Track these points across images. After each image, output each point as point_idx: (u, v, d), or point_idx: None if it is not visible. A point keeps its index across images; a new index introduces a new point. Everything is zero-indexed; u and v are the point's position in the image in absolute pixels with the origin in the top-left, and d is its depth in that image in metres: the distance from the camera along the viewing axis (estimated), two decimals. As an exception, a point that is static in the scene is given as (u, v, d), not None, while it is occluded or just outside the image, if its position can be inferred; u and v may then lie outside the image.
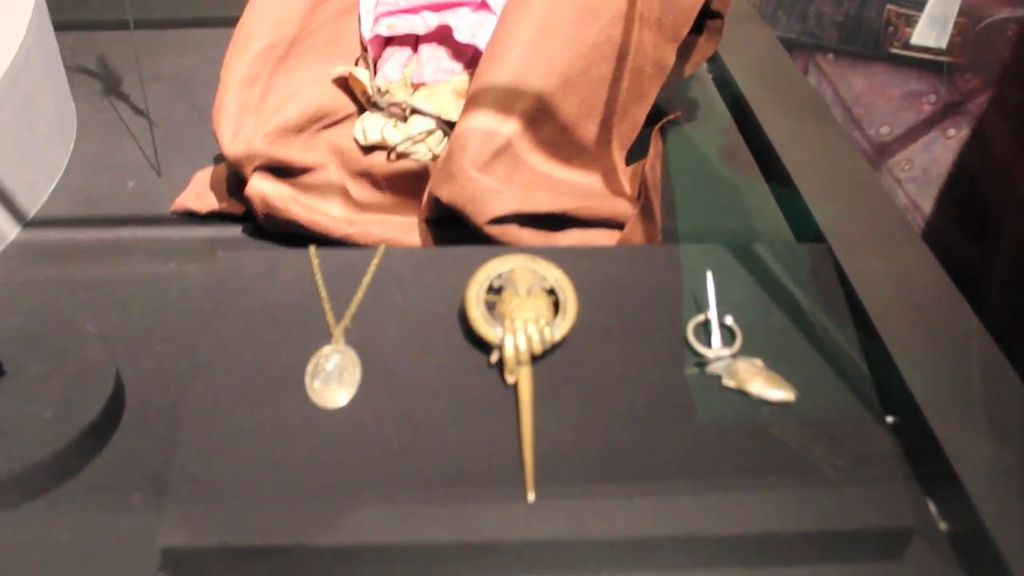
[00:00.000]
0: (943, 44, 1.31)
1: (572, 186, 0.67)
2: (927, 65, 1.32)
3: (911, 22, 1.30)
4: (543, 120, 0.65)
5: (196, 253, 0.72)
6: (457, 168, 0.62)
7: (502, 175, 0.63)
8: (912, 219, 1.43)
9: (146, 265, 0.71)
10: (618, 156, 0.70)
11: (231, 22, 1.03)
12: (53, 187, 0.79)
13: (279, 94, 0.71)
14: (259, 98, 0.70)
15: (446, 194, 0.62)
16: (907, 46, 1.32)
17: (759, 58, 1.00)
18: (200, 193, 0.75)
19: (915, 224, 1.43)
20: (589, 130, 0.68)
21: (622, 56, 0.68)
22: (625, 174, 0.70)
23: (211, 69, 0.96)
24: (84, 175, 0.81)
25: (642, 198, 0.66)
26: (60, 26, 0.88)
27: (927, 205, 1.41)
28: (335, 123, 0.73)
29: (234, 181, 0.74)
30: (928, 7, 1.28)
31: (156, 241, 0.74)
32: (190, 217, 0.75)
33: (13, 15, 0.78)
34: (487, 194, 0.62)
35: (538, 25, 0.65)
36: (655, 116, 0.73)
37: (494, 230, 0.62)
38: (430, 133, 0.69)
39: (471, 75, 0.71)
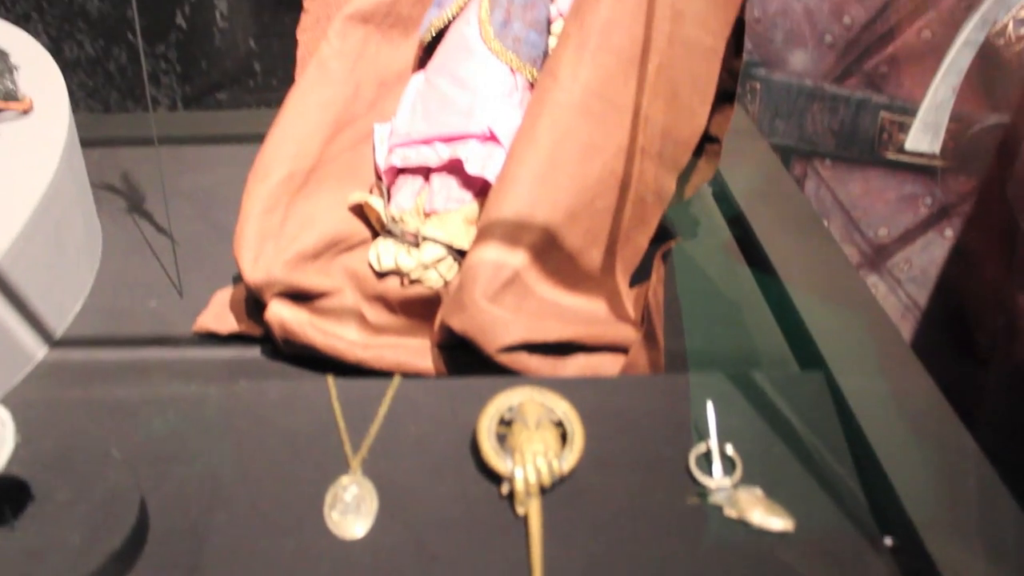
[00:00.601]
0: (936, 149, 1.35)
1: (578, 313, 0.70)
2: (922, 169, 1.37)
3: (904, 128, 1.35)
4: (550, 251, 0.69)
5: (217, 374, 0.75)
6: (468, 299, 0.66)
7: (511, 305, 0.67)
8: (913, 318, 1.46)
9: (168, 386, 0.74)
10: (622, 280, 0.73)
11: (250, 139, 1.08)
12: (79, 307, 0.83)
13: (297, 221, 0.75)
14: (278, 225, 0.74)
15: (458, 324, 0.66)
16: (902, 151, 1.36)
17: (756, 173, 1.05)
18: (220, 314, 0.79)
19: (915, 321, 1.46)
20: (594, 257, 0.72)
21: (624, 187, 0.72)
22: (628, 297, 0.73)
23: (231, 187, 1.01)
24: (108, 294, 0.85)
25: (645, 323, 0.70)
26: (84, 143, 0.93)
27: (927, 306, 1.44)
28: (350, 248, 0.77)
29: (252, 303, 0.77)
30: (920, 114, 1.33)
31: (178, 362, 0.77)
32: (210, 338, 0.78)
33: (47, 142, 0.83)
34: (497, 324, 0.65)
35: (544, 160, 0.69)
36: (657, 236, 0.77)
37: (504, 358, 0.65)
38: (441, 260, 0.73)
39: (481, 204, 0.75)
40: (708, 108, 0.74)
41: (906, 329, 1.45)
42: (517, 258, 0.67)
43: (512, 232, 0.68)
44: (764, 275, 0.86)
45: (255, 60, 1.30)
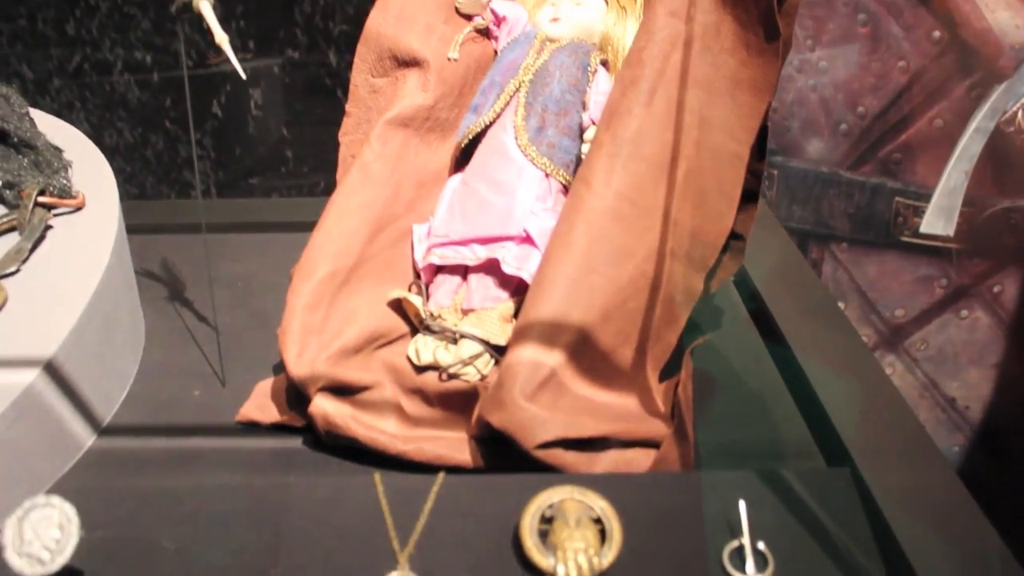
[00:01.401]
0: (950, 232, 1.40)
1: (611, 409, 0.74)
2: (937, 251, 1.41)
3: (919, 212, 1.39)
4: (584, 350, 0.73)
5: (261, 464, 0.78)
6: (507, 397, 0.69)
7: (548, 403, 0.70)
8: (931, 396, 1.49)
9: (214, 475, 0.77)
10: (652, 376, 0.77)
11: (285, 227, 1.13)
12: (125, 395, 0.87)
13: (340, 317, 0.79)
14: (321, 321, 0.78)
15: (497, 420, 0.69)
16: (917, 234, 1.41)
17: (776, 260, 1.08)
18: (262, 404, 0.82)
19: (933, 400, 1.49)
20: (626, 355, 0.76)
21: (655, 288, 0.76)
22: (659, 392, 0.77)
23: (268, 274, 1.06)
24: (153, 382, 0.89)
25: (676, 419, 0.73)
26: (128, 229, 0.97)
27: (944, 384, 1.47)
28: (390, 342, 0.81)
29: (293, 393, 0.81)
30: (935, 198, 1.38)
31: (223, 451, 0.80)
32: (254, 427, 0.82)
33: (99, 237, 0.88)
34: (535, 422, 0.68)
35: (579, 264, 0.73)
36: (685, 330, 0.80)
37: (541, 454, 0.69)
38: (479, 356, 0.77)
39: (517, 303, 0.79)
40: (734, 211, 0.78)
41: (924, 408, 1.48)
42: (554, 358, 0.71)
43: (549, 332, 0.71)
44: (787, 365, 0.89)
45: (287, 147, 1.36)
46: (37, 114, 1.03)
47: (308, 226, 1.07)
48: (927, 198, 1.38)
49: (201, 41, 1.31)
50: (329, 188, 1.37)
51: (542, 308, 0.72)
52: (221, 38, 0.72)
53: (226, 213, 1.23)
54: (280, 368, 0.87)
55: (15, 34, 1.29)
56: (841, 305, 1.45)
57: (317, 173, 1.38)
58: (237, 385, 0.87)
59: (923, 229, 1.40)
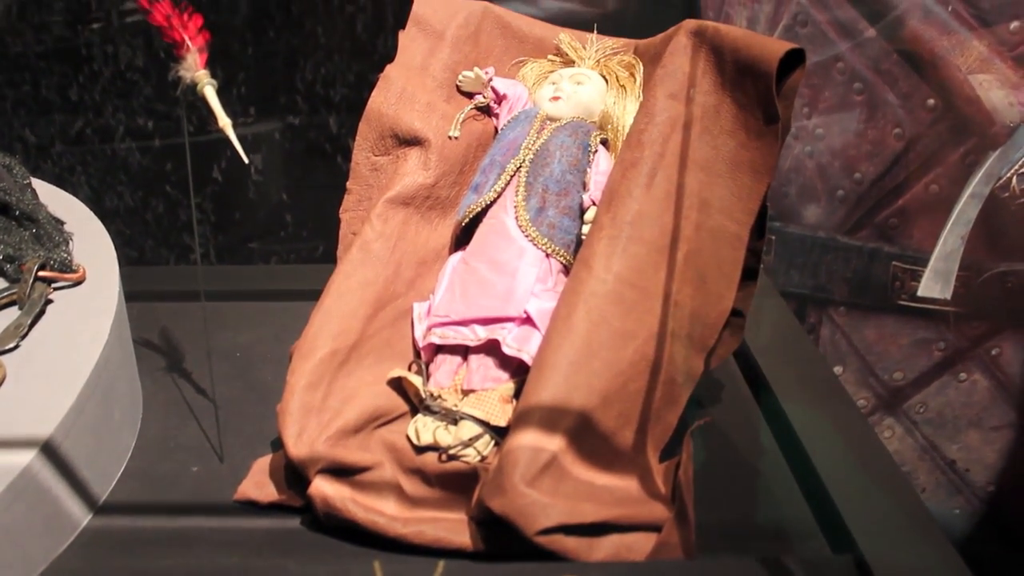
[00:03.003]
0: (948, 295, 1.40)
1: (612, 493, 0.73)
2: (934, 315, 1.42)
3: (916, 276, 1.40)
4: (585, 434, 0.73)
5: (259, 545, 0.77)
6: (508, 483, 0.69)
7: (549, 488, 0.70)
8: (931, 459, 1.49)
9: (212, 556, 0.77)
10: (652, 457, 0.77)
11: (284, 295, 1.14)
12: (121, 471, 0.86)
13: (339, 396, 0.79)
14: (321, 400, 0.78)
15: (498, 506, 0.69)
16: (914, 298, 1.41)
17: (774, 332, 1.09)
18: (260, 483, 0.82)
19: (933, 462, 1.49)
20: (626, 437, 0.75)
21: (655, 370, 0.76)
22: (659, 473, 0.76)
23: (267, 345, 1.06)
24: (150, 458, 0.88)
25: (677, 502, 0.73)
26: (126, 296, 0.97)
27: (944, 446, 1.47)
28: (389, 422, 0.81)
29: (291, 471, 0.80)
30: (931, 262, 1.39)
31: (220, 531, 0.79)
32: (252, 506, 0.81)
33: (99, 311, 0.87)
34: (535, 508, 0.68)
35: (580, 348, 0.73)
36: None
37: (542, 540, 0.68)
38: (479, 437, 0.77)
39: (517, 383, 0.79)
40: (734, 291, 0.79)
41: (923, 470, 1.48)
42: (555, 442, 0.71)
43: (549, 417, 0.71)
44: (787, 441, 0.89)
45: (287, 212, 1.36)
46: (37, 183, 1.04)
47: (308, 294, 1.07)
48: (924, 262, 1.39)
49: (202, 108, 1.32)
50: (328, 254, 1.37)
51: (543, 392, 0.72)
52: (224, 123, 0.73)
53: (225, 280, 1.23)
54: (278, 445, 0.86)
55: (19, 100, 1.30)
56: (839, 369, 1.46)
57: (316, 238, 1.38)
58: (235, 461, 0.86)
59: (920, 293, 1.41)
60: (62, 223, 0.97)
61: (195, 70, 0.75)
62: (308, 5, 1.26)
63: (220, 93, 1.29)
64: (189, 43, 0.75)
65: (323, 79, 1.29)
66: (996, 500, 1.42)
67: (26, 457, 0.72)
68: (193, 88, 0.76)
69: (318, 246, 1.39)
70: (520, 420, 0.72)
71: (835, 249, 1.41)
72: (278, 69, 1.31)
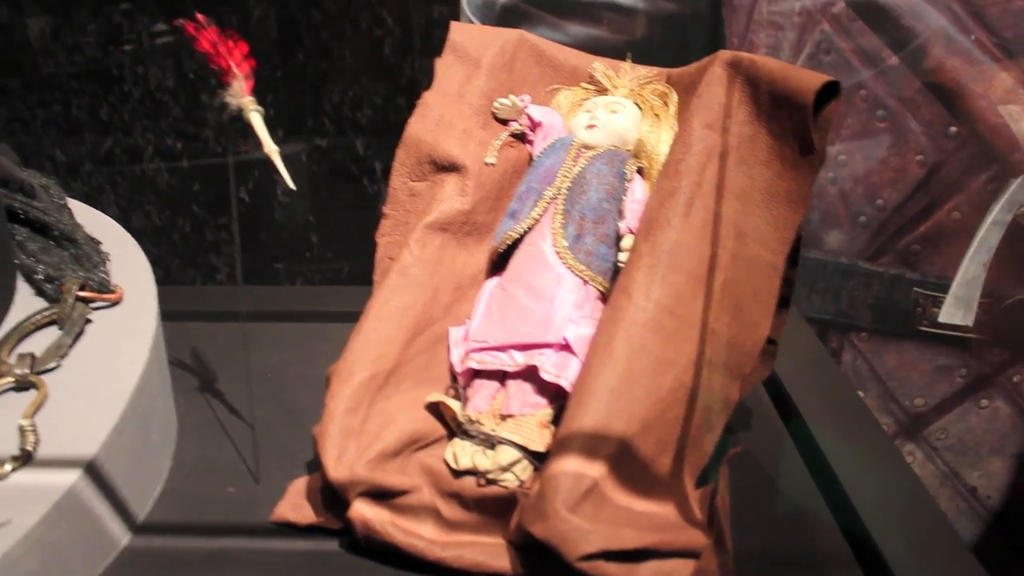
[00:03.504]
0: (969, 322, 1.42)
1: (651, 519, 0.75)
2: (956, 341, 1.43)
3: (938, 303, 1.41)
4: (625, 461, 0.74)
5: (297, 567, 0.79)
6: (550, 509, 0.70)
7: (590, 514, 0.71)
8: (952, 486, 1.50)
9: (250, 577, 0.78)
10: (688, 483, 0.78)
11: (313, 317, 1.15)
12: (159, 491, 0.88)
13: (378, 420, 0.80)
14: (360, 423, 0.79)
15: (540, 531, 0.70)
16: (936, 324, 1.42)
17: (801, 358, 1.10)
18: (297, 504, 0.83)
19: (954, 489, 1.50)
20: (664, 464, 0.77)
21: (693, 397, 0.77)
22: (695, 499, 0.78)
23: (297, 367, 1.07)
24: (186, 478, 0.89)
25: (715, 529, 0.74)
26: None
27: (965, 473, 1.48)
28: (426, 446, 0.82)
29: (328, 493, 0.82)
30: (953, 289, 1.40)
31: (258, 552, 0.81)
32: (289, 528, 0.83)
33: (137, 332, 0.89)
34: (577, 533, 0.69)
35: (620, 375, 0.75)
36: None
37: (584, 565, 0.69)
38: (517, 462, 0.78)
39: (555, 409, 0.81)
40: (770, 320, 0.80)
41: (945, 497, 1.48)
42: (595, 469, 0.72)
43: (590, 443, 0.73)
44: (818, 467, 0.91)
45: (312, 233, 1.38)
46: (72, 203, 1.06)
47: (336, 316, 1.09)
48: (946, 289, 1.41)
49: (231, 129, 1.34)
50: (353, 274, 1.40)
51: (584, 419, 0.73)
52: (271, 149, 0.75)
53: (254, 300, 1.25)
54: (314, 466, 0.88)
55: (50, 119, 1.32)
56: (860, 394, 1.47)
57: (342, 259, 1.40)
58: (271, 483, 0.87)
59: (942, 319, 1.42)
60: (98, 243, 0.99)
61: (241, 96, 0.77)
62: (337, 29, 1.28)
63: (249, 114, 1.32)
64: (235, 70, 0.76)
65: (350, 101, 1.32)
66: (1018, 527, 1.43)
67: (71, 477, 0.74)
68: (223, 110, 0.77)
69: (343, 267, 1.40)
70: (561, 446, 0.74)
71: (857, 275, 1.43)
72: (306, 92, 1.33)
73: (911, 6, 1.28)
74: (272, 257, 1.39)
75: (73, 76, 1.30)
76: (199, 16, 0.77)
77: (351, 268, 1.39)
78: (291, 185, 0.74)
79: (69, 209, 1.02)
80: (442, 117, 0.91)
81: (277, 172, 0.74)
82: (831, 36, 1.32)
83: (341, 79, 1.30)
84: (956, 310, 1.42)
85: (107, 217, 1.09)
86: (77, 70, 1.30)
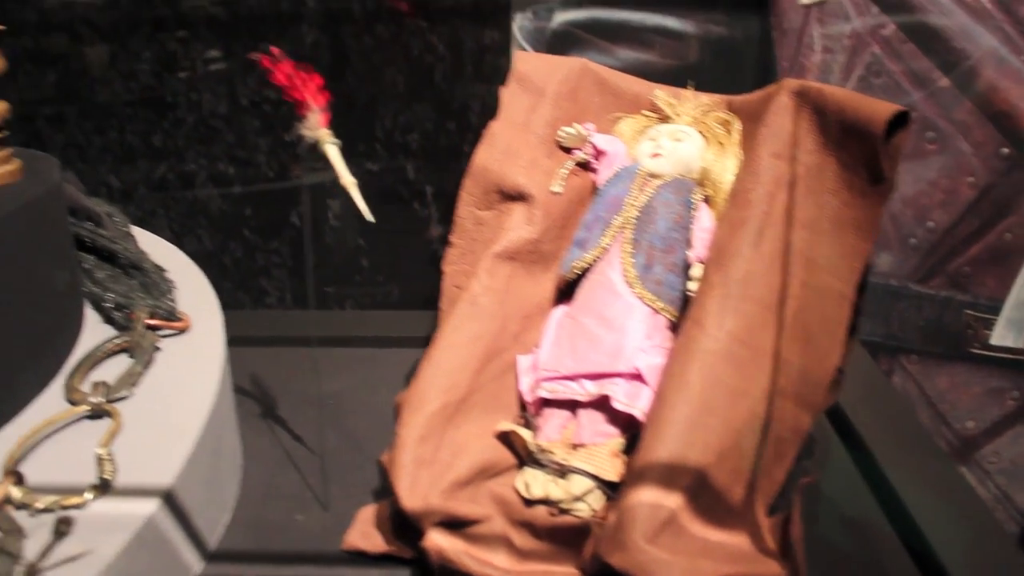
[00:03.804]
0: (1021, 344, 1.41)
1: (726, 549, 0.75)
2: (1008, 363, 1.42)
3: (989, 325, 1.41)
4: (700, 491, 0.75)
5: (370, 597, 0.80)
6: (629, 540, 0.71)
7: (668, 545, 0.72)
8: (1004, 510, 1.49)
9: (325, 606, 0.79)
10: (761, 513, 0.78)
11: (369, 342, 1.16)
12: (229, 519, 0.89)
13: (450, 449, 0.81)
14: (432, 452, 0.80)
15: (618, 562, 0.71)
16: (987, 347, 1.42)
17: (859, 382, 1.10)
18: (366, 532, 0.84)
19: (1006, 513, 1.49)
20: (737, 494, 0.77)
21: (766, 427, 0.78)
22: (767, 529, 0.78)
23: (358, 392, 1.08)
24: (254, 506, 0.90)
25: (790, 560, 0.74)
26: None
27: (1017, 497, 1.47)
28: (496, 475, 0.83)
29: (398, 521, 0.83)
30: (1004, 311, 1.40)
31: (331, 581, 0.82)
32: (360, 556, 0.84)
33: (207, 359, 0.90)
34: (657, 565, 0.70)
35: (696, 405, 0.75)
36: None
37: (662, 596, 0.70)
38: (590, 491, 0.79)
39: (626, 438, 0.81)
40: (840, 349, 0.81)
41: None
42: (673, 499, 0.73)
43: (667, 474, 0.73)
44: (884, 493, 0.91)
45: (363, 256, 1.40)
46: (135, 230, 1.08)
47: (391, 341, 1.10)
48: (997, 311, 1.40)
49: (283, 154, 1.36)
50: (403, 298, 1.41)
51: (660, 450, 0.74)
52: (348, 181, 0.76)
53: (307, 325, 1.26)
54: (381, 494, 0.89)
55: (105, 146, 1.34)
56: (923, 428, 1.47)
57: (391, 282, 1.41)
58: (338, 510, 0.88)
59: (993, 341, 1.41)
60: (163, 270, 1.01)
61: (317, 129, 0.78)
62: (388, 55, 1.30)
63: (302, 139, 1.34)
64: (311, 103, 0.78)
65: (401, 126, 1.33)
66: (1072, 552, 1.42)
67: (149, 506, 0.75)
68: (315, 145, 0.79)
69: (393, 290, 1.42)
70: (637, 476, 0.74)
71: (907, 297, 1.43)
72: (357, 117, 1.34)
73: (962, 27, 1.28)
74: (322, 280, 1.41)
75: (128, 103, 1.33)
76: (273, 49, 0.78)
77: (401, 292, 1.40)
78: (369, 217, 0.75)
79: (133, 236, 1.04)
80: (509, 146, 0.93)
81: (354, 203, 0.75)
82: (881, 58, 1.32)
83: (392, 104, 1.32)
84: (1008, 332, 1.41)
85: (170, 244, 1.10)
86: (132, 97, 1.33)
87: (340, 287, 1.41)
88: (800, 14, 1.31)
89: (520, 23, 1.29)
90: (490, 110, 1.31)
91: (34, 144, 0.87)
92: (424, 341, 1.19)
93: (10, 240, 0.83)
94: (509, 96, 0.96)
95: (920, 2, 1.28)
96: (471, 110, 1.33)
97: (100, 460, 0.77)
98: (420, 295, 1.40)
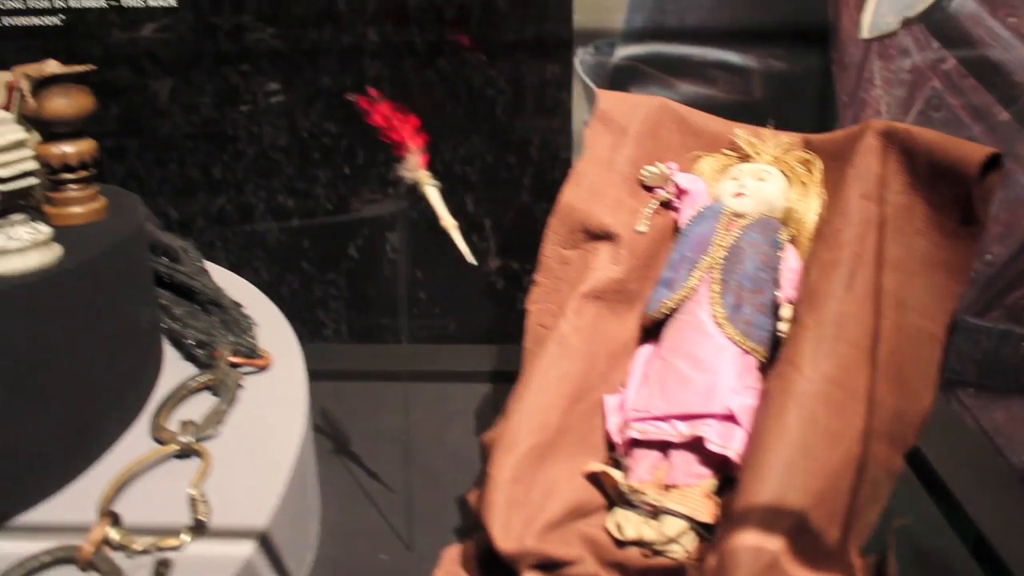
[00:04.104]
0: (1077, 378, 1.41)
1: (824, 592, 0.76)
2: (1065, 398, 1.42)
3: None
4: (800, 533, 0.75)
5: (463, 639, 0.80)
6: (733, 584, 0.71)
7: (770, 588, 0.72)
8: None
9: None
10: (854, 555, 0.79)
11: (431, 377, 1.17)
12: (313, 558, 0.89)
13: (541, 490, 0.82)
14: (524, 493, 0.81)
15: (723, 606, 0.71)
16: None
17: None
18: (453, 572, 0.84)
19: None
20: (833, 535, 0.78)
21: (861, 468, 0.78)
22: (861, 570, 0.78)
23: (427, 428, 1.09)
24: (336, 546, 0.91)
25: (888, 604, 0.75)
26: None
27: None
28: (586, 515, 0.84)
29: (485, 562, 0.83)
30: (1061, 344, 1.40)
31: (425, 622, 0.83)
32: (449, 596, 0.84)
33: (292, 398, 0.92)
34: (760, 608, 0.70)
35: (795, 448, 0.76)
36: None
37: (767, 642, 0.70)
38: (684, 532, 0.79)
39: (718, 479, 0.82)
40: (933, 390, 0.81)
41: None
42: (774, 542, 0.73)
43: (768, 517, 0.74)
44: (964, 531, 0.91)
45: (420, 290, 1.41)
46: (208, 265, 1.09)
47: (455, 376, 1.11)
48: (1055, 344, 1.40)
49: (342, 187, 1.38)
50: (460, 331, 1.42)
51: (761, 492, 0.75)
52: (449, 224, 0.77)
53: (369, 359, 1.27)
54: (463, 532, 0.90)
55: (165, 178, 1.36)
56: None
57: (447, 316, 1.42)
58: (420, 549, 0.89)
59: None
60: (239, 305, 1.02)
61: (417, 171, 0.79)
62: (449, 89, 1.32)
63: (362, 172, 1.35)
64: (409, 144, 0.79)
65: (461, 158, 1.34)
66: None
67: (246, 548, 0.76)
68: (415, 187, 0.80)
69: (448, 323, 1.43)
70: (738, 519, 0.75)
71: (965, 330, 1.43)
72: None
73: (1021, 62, 1.29)
74: (379, 312, 1.42)
75: (188, 136, 1.34)
76: (371, 91, 0.80)
77: (457, 324, 1.41)
78: (471, 260, 0.76)
79: (207, 271, 1.05)
80: (594, 185, 0.94)
81: (455, 246, 0.76)
82: (942, 93, 1.33)
83: (452, 137, 1.33)
84: (1065, 366, 1.42)
85: (242, 279, 1.12)
86: (192, 130, 1.34)
87: (395, 319, 1.42)
88: (860, 48, 1.33)
89: (581, 57, 1.30)
90: (550, 144, 1.33)
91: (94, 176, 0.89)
92: (490, 376, 1.20)
93: (100, 279, 0.84)
94: (593, 135, 0.97)
95: (981, 36, 1.29)
96: (531, 144, 1.34)
97: (194, 501, 0.78)
98: (477, 329, 1.41)
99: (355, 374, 1.20)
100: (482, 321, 1.41)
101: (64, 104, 0.86)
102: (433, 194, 0.79)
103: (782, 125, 1.03)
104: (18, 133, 0.78)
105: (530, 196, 1.36)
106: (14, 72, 0.88)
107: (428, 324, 1.42)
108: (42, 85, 0.86)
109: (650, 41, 1.30)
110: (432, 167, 1.36)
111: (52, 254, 0.80)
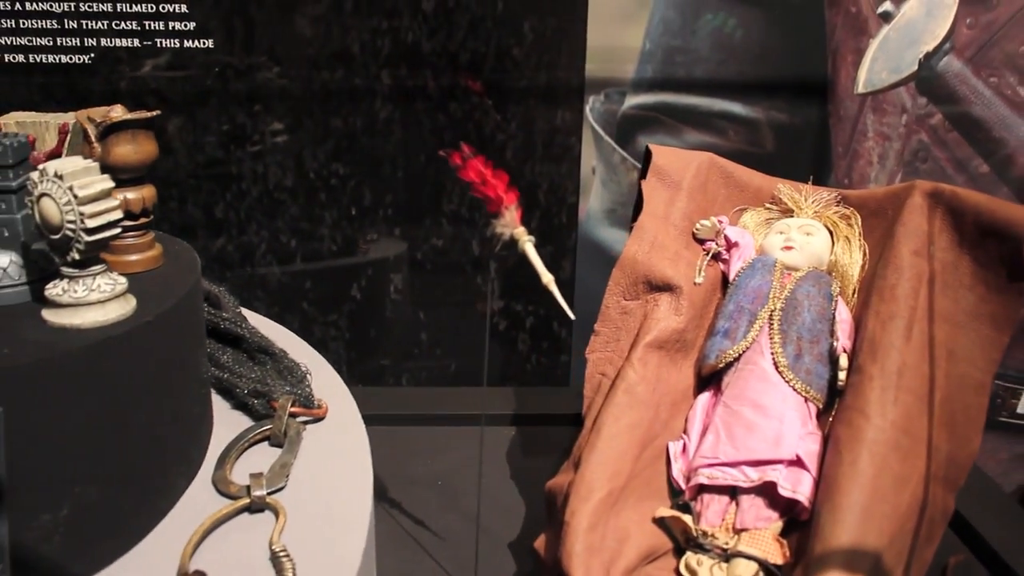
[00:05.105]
0: (1048, 412, 1.53)
1: (894, 630, 0.82)
2: (1035, 432, 1.54)
3: (1016, 395, 1.53)
4: (875, 573, 0.81)
5: None
6: (819, 629, 0.77)
7: (851, 629, 0.78)
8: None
9: None
10: (915, 592, 0.86)
11: (457, 420, 1.20)
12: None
13: (615, 536, 0.86)
14: (600, 541, 0.85)
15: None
16: (1014, 415, 1.54)
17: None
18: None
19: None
20: (900, 574, 0.84)
21: (922, 511, 0.85)
22: (921, 607, 0.85)
23: (463, 473, 1.12)
24: (398, 595, 0.94)
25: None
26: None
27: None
28: (654, 559, 0.88)
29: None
30: (1030, 383, 1.52)
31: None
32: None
33: (353, 449, 0.93)
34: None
35: (869, 492, 0.82)
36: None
37: None
38: (755, 574, 0.85)
39: (785, 522, 0.88)
40: (980, 435, 0.89)
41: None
42: (856, 583, 0.79)
43: (848, 558, 0.79)
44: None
45: (422, 331, 1.44)
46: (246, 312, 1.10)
47: (477, 418, 1.14)
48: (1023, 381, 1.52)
49: (348, 227, 1.40)
50: (461, 372, 1.45)
51: (841, 536, 0.80)
52: (547, 279, 0.80)
53: (378, 402, 1.29)
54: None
55: (164, 216, 1.35)
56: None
57: (449, 357, 1.46)
58: (488, 602, 0.92)
59: (1021, 410, 1.53)
60: (287, 354, 1.03)
61: (514, 227, 0.82)
62: (460, 132, 1.35)
63: (368, 213, 1.38)
64: (503, 200, 0.82)
65: (469, 202, 1.38)
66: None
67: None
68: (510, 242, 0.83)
69: (450, 364, 1.46)
70: (818, 561, 0.80)
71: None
72: (426, 191, 1.39)
73: (1001, 118, 1.41)
74: (379, 353, 1.44)
75: (191, 175, 1.35)
76: (465, 146, 0.83)
77: (458, 365, 1.44)
78: (570, 315, 0.80)
79: (245, 317, 1.06)
80: (656, 239, 0.99)
81: (555, 301, 0.79)
82: (928, 146, 1.44)
83: (460, 180, 1.36)
84: (1033, 402, 1.53)
85: (281, 326, 1.13)
86: (195, 168, 1.35)
87: (395, 360, 1.45)
88: (856, 102, 1.42)
89: (592, 105, 1.36)
90: (558, 189, 1.39)
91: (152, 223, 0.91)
92: (509, 419, 1.24)
93: (171, 330, 0.85)
94: (650, 189, 1.03)
95: (965, 94, 1.40)
96: (540, 188, 1.39)
97: (277, 558, 0.78)
98: (479, 370, 1.44)
99: (380, 419, 1.22)
100: (481, 363, 1.44)
101: (131, 151, 0.87)
102: (530, 250, 0.82)
103: (781, 173, 1.11)
104: (106, 182, 0.78)
105: (536, 239, 1.40)
106: (78, 116, 0.89)
107: (428, 365, 1.45)
108: (109, 131, 0.86)
109: (659, 91, 1.37)
110: (439, 209, 1.41)
111: (129, 306, 0.81)
